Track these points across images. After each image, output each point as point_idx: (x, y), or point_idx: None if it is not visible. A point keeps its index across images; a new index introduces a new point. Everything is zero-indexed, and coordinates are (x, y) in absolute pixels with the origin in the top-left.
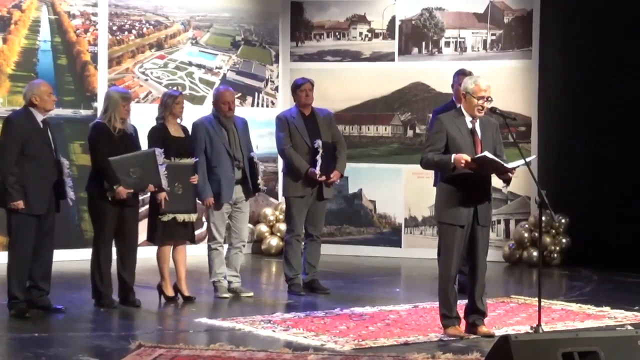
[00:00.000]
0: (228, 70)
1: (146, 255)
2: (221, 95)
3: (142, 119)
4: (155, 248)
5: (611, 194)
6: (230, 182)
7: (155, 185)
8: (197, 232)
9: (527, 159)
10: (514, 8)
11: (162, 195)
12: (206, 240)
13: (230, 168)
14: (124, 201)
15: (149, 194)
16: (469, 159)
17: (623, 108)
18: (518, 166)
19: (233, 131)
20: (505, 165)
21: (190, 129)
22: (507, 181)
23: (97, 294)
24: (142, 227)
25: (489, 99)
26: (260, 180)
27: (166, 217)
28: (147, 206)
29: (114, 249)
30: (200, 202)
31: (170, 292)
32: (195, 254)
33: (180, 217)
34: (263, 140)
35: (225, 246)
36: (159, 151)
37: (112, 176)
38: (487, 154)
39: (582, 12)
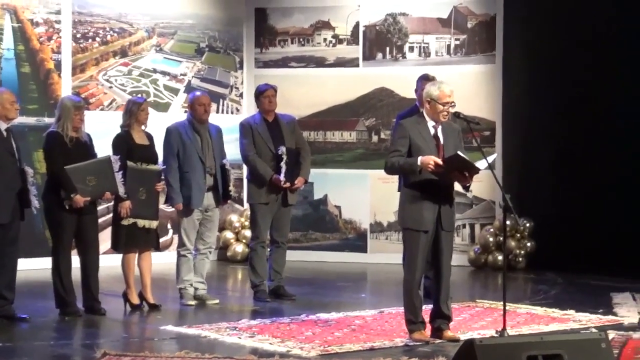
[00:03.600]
0: (192, 77)
1: (112, 263)
2: (197, 98)
3: (107, 126)
4: (120, 256)
5: (575, 198)
6: (201, 188)
7: (111, 192)
8: (162, 240)
9: (490, 158)
10: (478, 13)
11: (126, 205)
12: (171, 247)
13: (202, 174)
14: (81, 209)
15: (113, 202)
16: (439, 161)
17: (587, 112)
18: (489, 164)
19: (206, 138)
20: (476, 165)
21: (154, 136)
22: (467, 188)
23: (61, 302)
24: (108, 235)
25: (453, 104)
26: (231, 188)
27: (127, 221)
28: (111, 214)
29: (75, 258)
30: (171, 208)
31: (135, 300)
32: (161, 261)
33: (141, 222)
34: (228, 147)
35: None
36: (114, 158)
37: (68, 185)
38: (460, 153)
39: (545, 17)
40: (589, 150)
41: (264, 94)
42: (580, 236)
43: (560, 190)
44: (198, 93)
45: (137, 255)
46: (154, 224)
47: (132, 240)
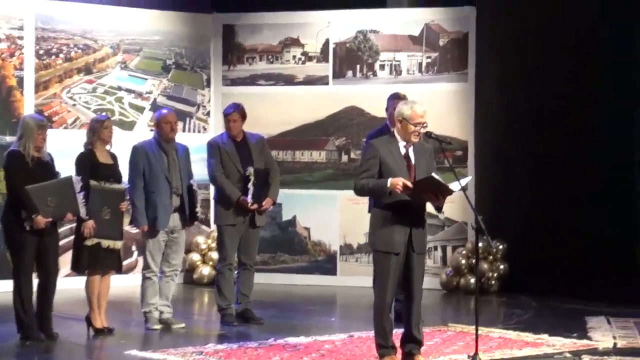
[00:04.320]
0: (159, 94)
1: (75, 285)
2: (164, 116)
3: (70, 145)
4: (82, 278)
5: (549, 219)
6: (167, 209)
7: (73, 213)
8: (126, 262)
9: (464, 180)
10: (450, 30)
11: (89, 225)
12: (135, 270)
13: (168, 195)
14: (42, 230)
15: (75, 224)
16: (408, 183)
17: (562, 132)
18: (463, 186)
19: (173, 157)
20: (450, 187)
21: (120, 155)
22: (439, 209)
23: (22, 327)
24: (69, 257)
25: (425, 124)
26: (198, 209)
27: (90, 242)
28: (72, 237)
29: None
30: (136, 229)
31: (99, 324)
32: (126, 284)
33: (105, 243)
34: (195, 166)
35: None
36: (76, 178)
37: (30, 205)
38: (434, 175)
39: (518, 34)
40: (563, 171)
41: (226, 118)
42: (554, 259)
43: (534, 212)
44: (164, 111)
45: (100, 277)
46: (118, 244)
47: (95, 261)
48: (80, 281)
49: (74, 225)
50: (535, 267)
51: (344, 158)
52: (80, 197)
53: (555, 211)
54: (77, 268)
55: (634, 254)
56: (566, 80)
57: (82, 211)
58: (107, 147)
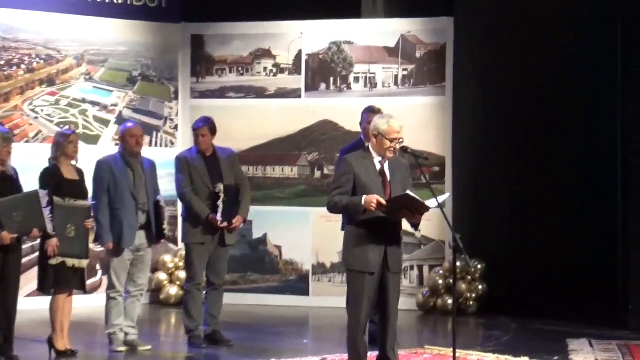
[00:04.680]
0: (124, 107)
1: (37, 305)
2: (129, 130)
3: (33, 160)
4: (44, 298)
5: (529, 238)
6: (132, 226)
7: (39, 229)
8: (90, 281)
9: (441, 197)
10: (427, 42)
11: (53, 243)
12: (100, 289)
13: (134, 211)
14: (6, 247)
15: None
16: (382, 200)
17: (543, 147)
18: (440, 203)
19: (139, 172)
20: (427, 204)
21: (85, 170)
22: (415, 226)
23: None
24: (32, 276)
25: (401, 140)
26: (165, 226)
27: (55, 261)
28: (36, 254)
29: None
30: (101, 247)
31: (61, 346)
32: (89, 304)
33: (70, 262)
34: (162, 182)
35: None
36: (42, 193)
37: None
38: (409, 192)
39: (497, 47)
40: (545, 188)
41: (195, 132)
42: (534, 279)
43: (514, 230)
44: (130, 124)
45: (66, 296)
46: (84, 263)
47: (61, 281)
48: (41, 301)
49: (34, 243)
50: (515, 287)
51: (317, 174)
52: (46, 212)
53: (536, 230)
54: (43, 288)
55: (617, 275)
56: (548, 94)
57: (49, 227)
58: (73, 162)
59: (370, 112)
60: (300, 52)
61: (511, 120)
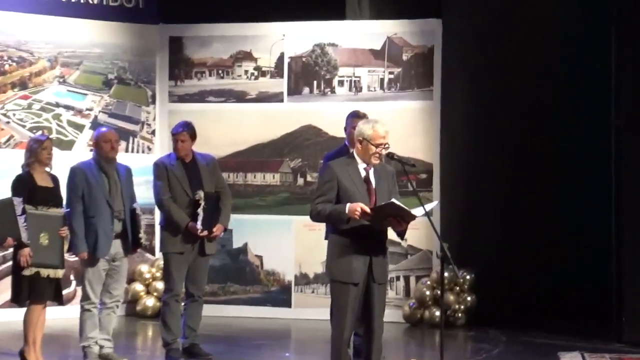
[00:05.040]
0: (99, 111)
1: (10, 317)
2: (102, 134)
3: (4, 166)
4: (17, 309)
5: (520, 248)
6: (108, 235)
7: (14, 238)
8: (64, 292)
9: (429, 206)
10: (414, 44)
11: (26, 252)
12: (74, 301)
13: (109, 219)
14: None
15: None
16: (366, 208)
17: (534, 153)
18: (427, 211)
19: (114, 179)
20: (413, 212)
21: (59, 177)
22: (401, 234)
23: None
24: (5, 285)
25: (387, 145)
26: (142, 235)
27: (29, 271)
28: (8, 264)
29: None
30: (75, 256)
31: (33, 359)
32: (63, 315)
33: (45, 272)
34: (139, 189)
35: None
36: (17, 200)
37: None
38: (394, 200)
39: (487, 49)
40: (536, 196)
41: (174, 137)
42: (525, 290)
43: (505, 240)
44: (104, 129)
45: (42, 308)
46: (59, 272)
47: (35, 292)
48: (14, 313)
49: (5, 252)
50: (505, 299)
51: (300, 181)
52: (21, 220)
53: (527, 239)
54: (18, 300)
55: (610, 286)
56: (540, 98)
57: (24, 235)
58: (47, 168)
59: (355, 117)
60: (282, 55)
61: (501, 126)
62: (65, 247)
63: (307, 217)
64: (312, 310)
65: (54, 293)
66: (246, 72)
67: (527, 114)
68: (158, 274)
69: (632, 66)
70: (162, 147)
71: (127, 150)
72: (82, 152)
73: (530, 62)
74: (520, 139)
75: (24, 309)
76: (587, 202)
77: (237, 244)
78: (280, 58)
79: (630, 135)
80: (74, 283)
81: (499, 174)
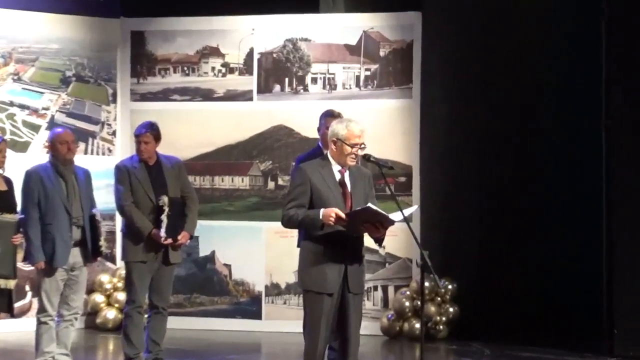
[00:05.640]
0: (57, 111)
1: None
2: (58, 136)
3: None
4: None
5: (505, 256)
6: (66, 243)
7: None
8: (19, 304)
9: (408, 210)
10: (392, 39)
11: None
12: (29, 313)
13: (67, 226)
14: None
15: None
16: (341, 213)
17: (520, 155)
18: (406, 217)
19: (73, 183)
20: (391, 217)
21: (14, 181)
22: (379, 241)
23: None
24: None
25: (363, 146)
26: (102, 242)
27: None
28: None
29: None
30: (31, 266)
31: None
32: (18, 329)
33: None
34: (99, 194)
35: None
36: None
37: None
38: (371, 205)
39: (470, 45)
40: (523, 201)
41: (137, 139)
42: (511, 301)
43: (489, 247)
44: (59, 130)
45: None
46: (11, 283)
47: None
48: None
49: None
50: (490, 310)
51: (270, 185)
52: None
53: (513, 247)
54: None
55: (601, 297)
56: (526, 97)
57: None
58: (0, 171)
59: (329, 116)
60: (251, 51)
61: (485, 126)
62: (20, 256)
63: (279, 224)
64: (284, 322)
65: (7, 305)
66: (213, 69)
67: (512, 114)
68: (119, 284)
69: (622, 65)
70: (123, 149)
71: (86, 152)
72: (38, 154)
73: (516, 58)
74: (505, 140)
75: None
76: (577, 207)
77: (203, 252)
78: (250, 54)
79: (620, 135)
80: (29, 294)
81: (483, 178)
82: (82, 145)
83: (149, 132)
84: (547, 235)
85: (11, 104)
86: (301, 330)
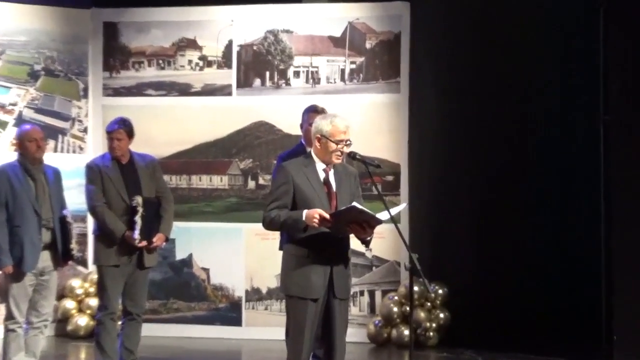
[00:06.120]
0: (24, 107)
1: None
2: (26, 133)
3: None
4: None
5: (498, 259)
6: (35, 246)
7: None
8: None
9: (396, 209)
10: (379, 31)
11: None
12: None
13: (37, 229)
14: None
15: None
16: (325, 214)
17: (514, 152)
18: (393, 216)
19: (42, 183)
20: (378, 216)
21: None
22: (366, 242)
23: None
24: None
25: (348, 142)
26: (73, 245)
27: None
28: None
29: None
30: None
31: None
32: None
33: None
34: (69, 194)
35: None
36: None
37: None
38: (356, 204)
39: (461, 36)
40: (517, 200)
41: (109, 135)
42: (504, 305)
43: (481, 250)
44: (27, 127)
45: None
46: None
47: None
48: None
49: None
50: (482, 315)
51: (251, 184)
52: None
53: (507, 249)
54: None
55: (600, 302)
56: (519, 91)
57: None
58: None
59: (313, 112)
60: (230, 43)
61: (477, 122)
62: None
63: (259, 225)
64: (266, 329)
65: None
66: (190, 62)
67: (506, 109)
68: (91, 290)
69: (621, 58)
70: (95, 146)
71: (55, 150)
72: (5, 152)
73: (510, 50)
74: (498, 137)
75: None
76: (575, 207)
77: (180, 255)
78: (228, 46)
79: (619, 132)
80: None
81: (475, 176)
82: (51, 143)
83: (122, 129)
84: (543, 237)
85: None
86: (284, 338)
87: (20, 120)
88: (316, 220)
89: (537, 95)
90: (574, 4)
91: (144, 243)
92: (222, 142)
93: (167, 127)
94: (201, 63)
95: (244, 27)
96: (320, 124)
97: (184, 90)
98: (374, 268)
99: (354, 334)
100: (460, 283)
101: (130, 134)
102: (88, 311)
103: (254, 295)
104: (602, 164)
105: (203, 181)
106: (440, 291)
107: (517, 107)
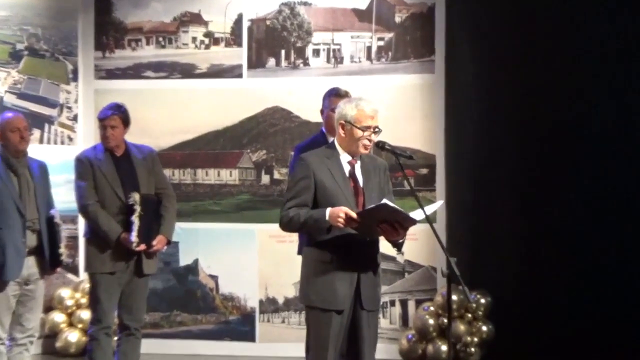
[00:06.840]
0: (6, 92)
1: None
2: (8, 122)
3: None
4: None
5: (548, 264)
6: (19, 251)
7: None
8: None
9: (431, 207)
10: (410, 2)
11: None
12: None
13: (21, 231)
14: None
15: None
16: (352, 213)
17: (565, 140)
18: (426, 216)
19: (26, 179)
20: (411, 216)
21: None
22: (398, 245)
23: None
24: None
25: (377, 129)
26: (62, 250)
27: None
28: None
29: None
30: None
31: None
32: None
33: None
34: (58, 191)
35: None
36: None
37: None
38: (386, 201)
39: (505, 9)
40: (569, 197)
41: (101, 123)
42: (554, 317)
43: (528, 254)
44: (9, 115)
45: None
46: None
47: None
48: None
49: None
50: (529, 329)
51: (265, 179)
52: None
53: (557, 254)
54: None
55: None
56: (569, 69)
57: None
58: None
59: (335, 95)
60: (240, 17)
61: (524, 106)
62: None
63: (275, 226)
64: (282, 345)
65: None
66: (194, 39)
67: (559, 91)
68: (83, 301)
69: None
70: (86, 136)
71: (41, 141)
72: None
73: (563, 25)
74: (549, 125)
75: None
76: (638, 208)
77: (184, 261)
78: (238, 21)
79: None
80: None
81: (521, 170)
82: (36, 133)
83: (116, 115)
84: (599, 240)
85: None
86: (303, 355)
87: (1, 108)
88: (341, 220)
89: (596, 76)
90: None
91: (143, 247)
92: (231, 131)
93: (169, 114)
94: (207, 41)
95: None
96: (344, 108)
97: (187, 71)
98: (406, 274)
99: (384, 350)
100: (505, 291)
101: (125, 121)
102: (79, 325)
103: (269, 306)
104: None
105: (210, 176)
106: (482, 300)
107: (572, 89)
